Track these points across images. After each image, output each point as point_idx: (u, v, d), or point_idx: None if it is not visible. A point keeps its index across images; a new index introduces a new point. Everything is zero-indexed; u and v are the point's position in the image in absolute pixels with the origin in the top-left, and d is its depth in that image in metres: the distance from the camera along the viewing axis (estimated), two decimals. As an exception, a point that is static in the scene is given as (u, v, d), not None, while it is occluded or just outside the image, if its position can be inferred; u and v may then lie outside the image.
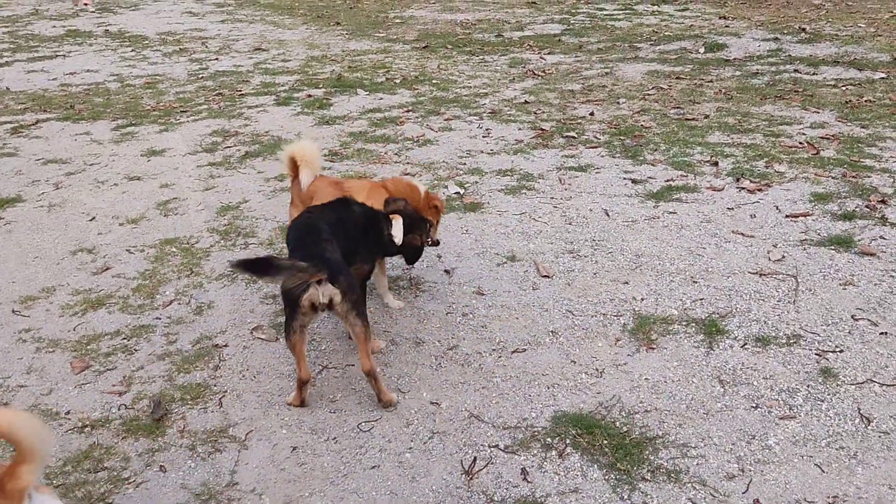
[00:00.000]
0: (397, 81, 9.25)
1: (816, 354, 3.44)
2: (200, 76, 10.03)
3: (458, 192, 5.73)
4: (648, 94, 8.10)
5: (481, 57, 10.51)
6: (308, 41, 12.13)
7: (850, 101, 7.34)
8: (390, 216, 3.74)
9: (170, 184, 6.18)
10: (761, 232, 4.73)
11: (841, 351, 3.45)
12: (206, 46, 11.98)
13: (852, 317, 3.70)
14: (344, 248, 3.31)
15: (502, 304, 4.10)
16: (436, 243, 4.16)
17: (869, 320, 3.65)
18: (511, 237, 4.92)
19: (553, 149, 6.59)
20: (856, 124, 6.65)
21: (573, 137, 6.85)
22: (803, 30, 10.73)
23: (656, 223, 4.97)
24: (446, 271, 4.53)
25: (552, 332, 3.79)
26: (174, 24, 14.31)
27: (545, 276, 4.38)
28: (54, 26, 14.46)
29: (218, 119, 7.93)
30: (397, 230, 3.70)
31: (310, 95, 8.72)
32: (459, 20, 13.38)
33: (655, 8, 13.51)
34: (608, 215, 5.14)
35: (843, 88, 7.82)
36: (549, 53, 10.51)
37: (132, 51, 11.89)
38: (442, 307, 4.12)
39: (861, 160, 5.78)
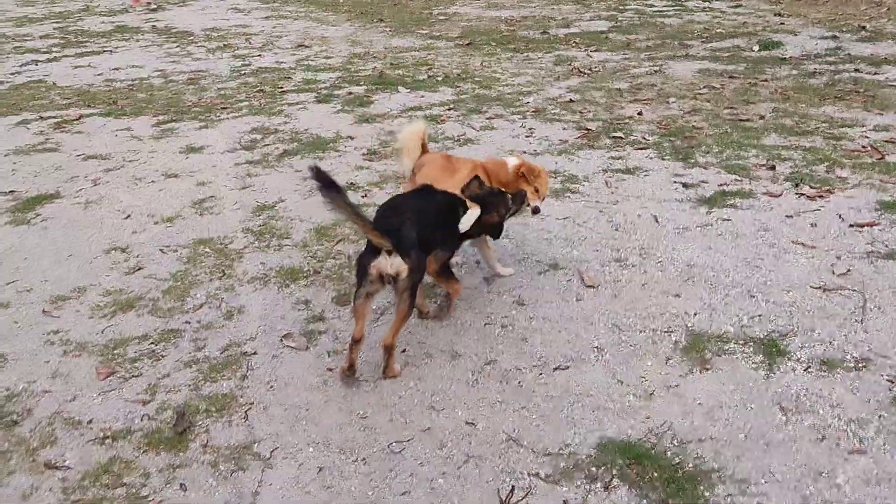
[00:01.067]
0: (439, 79, 9.03)
1: (888, 381, 3.12)
2: (243, 72, 9.93)
3: (499, 195, 5.48)
4: (700, 94, 7.75)
5: (525, 54, 10.23)
6: (351, 38, 11.98)
7: (916, 102, 6.90)
8: (468, 203, 3.78)
9: (207, 181, 6.05)
10: (823, 242, 4.40)
11: (916, 378, 3.13)
12: (250, 43, 11.91)
13: (928, 340, 3.38)
14: (423, 235, 3.35)
15: (544, 315, 3.85)
16: (535, 210, 4.23)
17: (947, 344, 3.32)
18: (554, 243, 4.66)
19: (599, 150, 6.30)
20: (924, 127, 6.23)
21: (620, 138, 6.55)
22: (863, 28, 10.23)
23: (709, 231, 4.66)
24: (485, 279, 4.29)
25: (597, 347, 3.53)
26: (219, 20, 14.30)
27: (590, 287, 4.12)
28: (103, 22, 14.55)
29: (258, 116, 7.80)
30: (466, 220, 3.72)
31: (350, 93, 8.54)
32: (504, 17, 13.11)
33: (707, 4, 13.05)
34: (658, 221, 4.85)
35: (909, 89, 7.36)
36: (595, 51, 10.18)
37: (177, 47, 11.87)
38: (480, 318, 3.89)
39: (931, 166, 5.39)
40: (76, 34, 13.30)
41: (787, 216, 4.79)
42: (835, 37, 9.83)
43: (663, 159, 5.98)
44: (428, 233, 3.42)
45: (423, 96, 8.29)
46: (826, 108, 6.98)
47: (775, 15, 11.68)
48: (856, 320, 3.55)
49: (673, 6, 13.08)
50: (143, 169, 6.38)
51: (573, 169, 5.87)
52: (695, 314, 3.73)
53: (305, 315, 4.00)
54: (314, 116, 7.71)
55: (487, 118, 7.37)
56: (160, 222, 5.30)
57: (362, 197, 5.58)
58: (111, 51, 11.70)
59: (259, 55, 10.96)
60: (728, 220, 4.80)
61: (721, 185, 5.37)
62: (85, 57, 11.28)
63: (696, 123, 6.78)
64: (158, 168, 6.38)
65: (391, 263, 3.18)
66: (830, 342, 3.41)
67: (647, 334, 3.60)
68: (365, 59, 10.34)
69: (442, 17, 13.38)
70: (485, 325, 3.82)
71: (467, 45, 11.00)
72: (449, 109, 7.70)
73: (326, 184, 3.06)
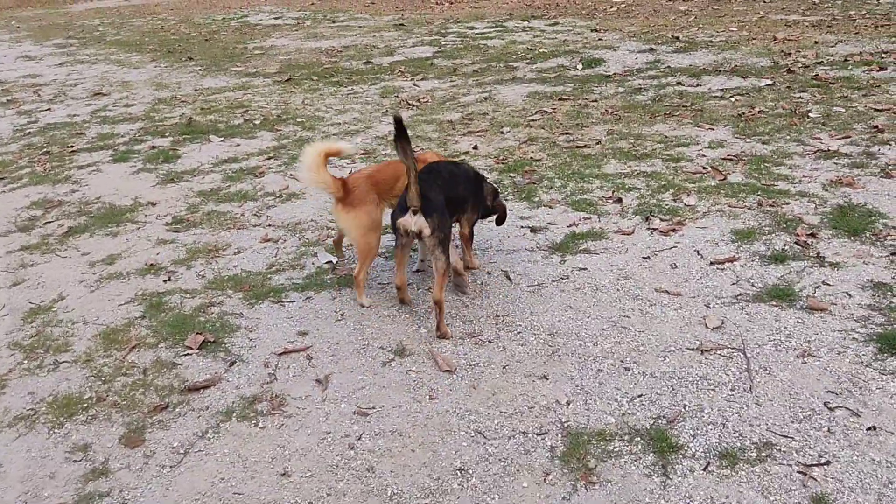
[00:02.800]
0: (257, 122, 8.12)
1: (800, 473, 2.62)
2: (27, 131, 8.54)
3: (329, 262, 4.70)
4: (533, 120, 7.33)
5: (350, 88, 9.51)
6: (156, 81, 10.76)
7: (742, 113, 6.80)
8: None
9: (-33, 281, 4.84)
10: (688, 287, 3.95)
11: (827, 463, 2.65)
12: (39, 95, 10.42)
13: (825, 405, 2.93)
14: (452, 200, 3.82)
15: (393, 428, 3.11)
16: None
17: (847, 409, 2.88)
18: (398, 320, 3.94)
19: (437, 194, 5.65)
20: (755, 140, 6.08)
21: (458, 178, 5.93)
22: (677, 38, 10.34)
23: (567, 285, 4.10)
24: (318, 381, 3.49)
25: (460, 469, 2.82)
26: (4, 70, 12.56)
27: (446, 371, 3.42)
28: None
29: (40, 185, 6.57)
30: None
31: (154, 147, 7.46)
32: (325, 47, 12.34)
33: (526, 24, 12.91)
34: (510, 279, 4.24)
35: (732, 100, 7.30)
36: (422, 79, 9.63)
37: (-51, 105, 10.17)
38: (313, 440, 3.08)
39: (773, 184, 5.15)
40: None
41: (643, 258, 4.33)
42: (652, 49, 9.83)
43: (506, 200, 5.42)
44: (458, 198, 3.90)
45: (238, 145, 7.35)
46: (658, 127, 6.74)
47: (592, 31, 11.66)
48: (744, 389, 3.07)
49: (494, 28, 12.84)
50: None
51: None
52: (568, 403, 3.12)
53: (83, 469, 3.02)
54: (109, 180, 6.59)
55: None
56: None
57: (164, 281, 4.61)
58: None
59: (48, 109, 9.55)
60: (584, 269, 4.27)
61: (570, 225, 4.87)
62: None
63: (534, 154, 6.31)
64: None
65: (414, 221, 3.55)
66: (724, 424, 2.89)
67: (518, 440, 2.94)
68: (172, 105, 9.22)
69: (258, 52, 12.41)
70: (320, 454, 3.01)
71: (287, 80, 10.14)
72: (269, 159, 6.83)
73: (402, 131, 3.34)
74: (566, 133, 6.84)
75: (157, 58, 12.58)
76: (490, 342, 3.63)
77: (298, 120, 8.12)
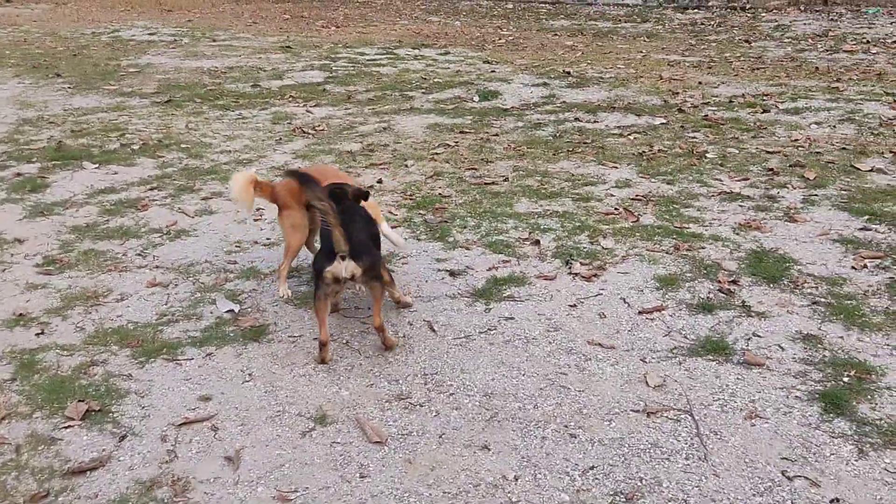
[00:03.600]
0: (135, 147, 7.43)
1: (774, 556, 2.45)
2: None
3: (231, 311, 4.23)
4: (437, 154, 7.10)
5: (238, 112, 8.95)
6: (20, 99, 9.75)
7: (643, 152, 6.85)
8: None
9: None
10: (620, 340, 3.79)
11: (798, 541, 2.50)
12: None
13: (783, 473, 2.80)
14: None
15: (319, 517, 2.71)
16: None
17: (806, 478, 2.76)
18: (315, 380, 3.54)
19: (343, 232, 5.28)
20: (660, 180, 6.10)
21: (364, 215, 5.58)
22: (568, 73, 10.46)
23: (495, 337, 3.85)
24: (228, 458, 3.04)
25: (405, 569, 2.47)
26: None
27: (376, 442, 3.06)
28: None
29: None
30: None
31: (19, 174, 6.65)
32: (206, 67, 11.65)
33: (417, 52, 12.74)
34: (434, 330, 3.94)
35: (630, 137, 7.36)
36: (315, 106, 9.21)
37: None
38: (227, 537, 2.64)
39: (685, 226, 5.14)
40: None
41: (570, 306, 4.14)
42: (545, 84, 9.88)
43: (419, 240, 5.13)
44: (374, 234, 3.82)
45: (116, 173, 6.68)
46: (562, 164, 6.67)
47: (484, 62, 11.64)
48: (699, 457, 2.89)
49: (384, 54, 12.59)
50: None
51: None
52: (515, 478, 2.84)
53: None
54: (-35, 212, 5.77)
55: (203, 198, 6.03)
56: None
57: (37, 335, 3.99)
58: None
59: None
60: (511, 318, 4.03)
61: (490, 269, 4.64)
62: None
63: (443, 190, 6.06)
64: None
65: (345, 267, 3.41)
66: (685, 500, 2.69)
67: (466, 528, 2.62)
68: (38, 126, 8.34)
69: (133, 70, 11.55)
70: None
71: (167, 102, 9.43)
72: (151, 189, 6.22)
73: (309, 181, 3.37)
74: (472, 168, 6.64)
75: (21, 73, 11.45)
76: (421, 406, 3.31)
77: (183, 146, 7.51)
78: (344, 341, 3.88)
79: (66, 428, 3.25)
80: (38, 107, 9.27)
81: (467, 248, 4.95)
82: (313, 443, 3.11)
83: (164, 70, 11.54)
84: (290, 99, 9.56)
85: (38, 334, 4.02)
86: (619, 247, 4.86)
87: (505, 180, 6.30)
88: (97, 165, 6.85)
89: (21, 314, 4.21)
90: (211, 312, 4.22)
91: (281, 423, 3.25)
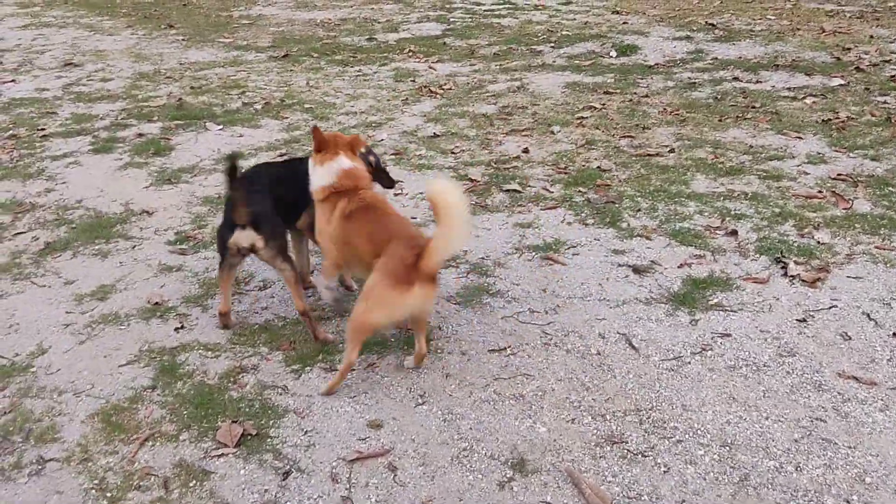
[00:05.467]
0: (258, 107, 6.91)
1: None
2: (-14, 107, 7.19)
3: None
4: (583, 118, 6.28)
5: (357, 68, 8.31)
6: (134, 51, 9.39)
7: (828, 119, 5.85)
8: None
9: (-89, 320, 3.65)
10: (881, 373, 2.99)
11: None
12: (1, 63, 8.97)
13: None
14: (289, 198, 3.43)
15: None
16: None
17: None
18: (501, 407, 2.91)
19: (498, 213, 4.62)
20: (860, 154, 5.14)
21: (517, 192, 4.90)
22: (712, 25, 9.33)
23: (714, 361, 3.11)
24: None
25: None
26: (-43, 30, 10.98)
27: None
28: None
29: (8, 180, 5.34)
30: None
31: (141, 134, 6.23)
32: (320, 19, 11.04)
33: (536, 2, 11.76)
34: (634, 347, 3.23)
35: (807, 101, 6.34)
36: (437, 62, 8.47)
37: None
38: None
39: (913, 217, 4.22)
40: None
41: (798, 321, 3.35)
42: (689, 37, 8.81)
43: (586, 224, 4.40)
44: (290, 200, 3.44)
45: (241, 135, 6.17)
46: (733, 132, 5.76)
47: (613, 13, 10.59)
48: None
49: (503, 5, 11.66)
50: None
51: (474, 248, 4.14)
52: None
53: None
54: (91, 176, 5.38)
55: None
56: None
57: (176, 329, 3.50)
58: None
59: (12, 81, 8.15)
60: (727, 334, 3.28)
61: (681, 265, 3.88)
62: None
63: (600, 163, 5.28)
64: None
65: (245, 237, 3.22)
66: None
67: None
68: (156, 81, 7.93)
69: (245, 22, 11.06)
70: None
71: (283, 57, 8.88)
72: (282, 155, 5.67)
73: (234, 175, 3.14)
74: (627, 135, 5.82)
75: (133, 24, 11.13)
76: (644, 456, 2.62)
77: (306, 106, 6.94)
78: (523, 354, 3.22)
79: (218, 457, 2.73)
80: (153, 60, 8.88)
81: (647, 238, 4.19)
82: (515, 500, 2.48)
83: (276, 22, 10.99)
84: (410, 54, 8.85)
85: (176, 329, 3.53)
86: (838, 242, 4.00)
87: (671, 151, 5.46)
88: (221, 126, 6.36)
89: (157, 303, 3.74)
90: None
91: (470, 466, 2.64)
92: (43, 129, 6.43)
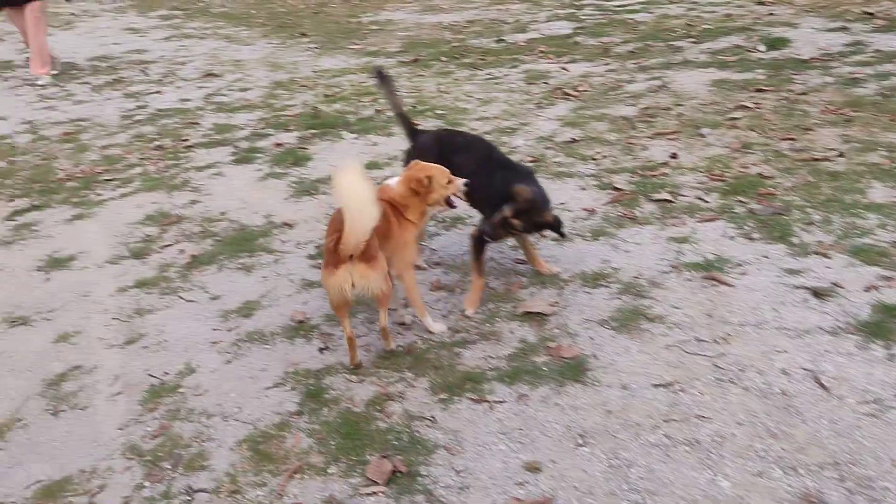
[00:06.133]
0: (390, 114, 6.79)
1: None
2: (136, 118, 7.49)
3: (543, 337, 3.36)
4: (735, 119, 5.78)
5: (487, 71, 8.09)
6: (270, 60, 9.59)
7: None
8: None
9: (71, 333, 3.73)
10: None
11: None
12: (147, 74, 9.38)
13: None
14: None
15: None
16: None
17: None
18: (674, 454, 2.58)
19: (647, 225, 4.26)
20: None
21: (667, 202, 4.51)
22: (870, 14, 8.47)
23: (925, 407, 2.65)
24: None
25: None
26: (111, 44, 11.62)
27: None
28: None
29: (155, 192, 5.46)
30: None
31: (279, 144, 6.26)
32: (446, 22, 10.92)
33: (671, -6, 11.13)
34: (823, 386, 2.81)
35: None
36: (570, 62, 8.12)
37: (55, 85, 9.24)
38: None
39: None
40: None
41: None
42: (845, 28, 8.02)
43: (751, 239, 3.97)
44: None
45: (375, 143, 6.08)
46: (912, 133, 5.10)
47: (757, 3, 9.84)
48: None
49: (634, -1, 11.12)
50: (-28, 314, 4.00)
51: (624, 264, 3.82)
52: None
53: None
54: (233, 188, 5.43)
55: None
56: (-20, 447, 2.98)
57: (320, 350, 3.39)
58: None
59: (157, 91, 8.48)
60: (938, 376, 2.80)
61: (868, 287, 3.40)
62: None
63: (759, 168, 4.81)
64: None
65: None
66: None
67: None
68: (291, 90, 8.02)
69: (374, 27, 11.10)
70: None
71: (413, 62, 8.78)
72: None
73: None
74: (788, 138, 5.28)
75: (268, 33, 11.42)
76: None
77: (438, 112, 6.78)
78: (696, 392, 2.87)
79: (370, 495, 2.56)
80: (288, 68, 9.02)
81: (824, 255, 3.72)
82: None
83: (404, 26, 10.96)
84: (541, 54, 8.54)
85: (320, 350, 3.42)
86: None
87: (839, 155, 4.89)
88: (355, 135, 6.30)
89: (301, 321, 3.64)
90: (511, 332, 3.38)
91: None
92: (186, 140, 6.59)
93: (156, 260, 4.44)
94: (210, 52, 10.41)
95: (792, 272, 3.61)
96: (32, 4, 8.83)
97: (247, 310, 3.79)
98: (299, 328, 3.59)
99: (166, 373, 3.36)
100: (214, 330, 3.65)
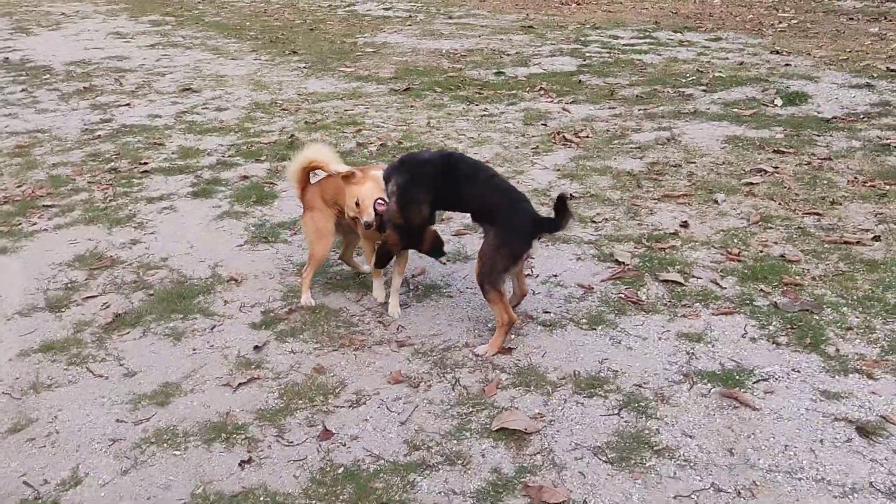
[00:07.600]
0: (373, 149, 6.13)
1: None
2: (97, 133, 6.80)
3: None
4: (752, 183, 5.11)
5: (483, 106, 7.43)
6: (255, 77, 8.91)
7: None
8: None
9: (-55, 412, 2.99)
10: None
11: None
12: (121, 83, 8.68)
13: None
14: None
15: None
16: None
17: None
18: None
19: (654, 313, 3.56)
20: None
21: (678, 284, 3.81)
22: (893, 71, 7.86)
23: None
24: None
25: None
26: (92, 49, 10.94)
27: None
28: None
29: (94, 225, 4.76)
30: None
31: (245, 176, 5.56)
32: (445, 49, 10.27)
33: (681, 36, 10.55)
34: (884, 582, 2.10)
35: None
36: (572, 102, 7.46)
37: (22, 90, 8.53)
38: None
39: None
40: None
41: None
42: (869, 85, 7.41)
43: (776, 343, 3.28)
44: None
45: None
46: (954, 216, 4.44)
47: (772, 52, 9.24)
48: None
49: (643, 39, 10.52)
50: None
51: (626, 366, 3.12)
52: None
53: None
54: (183, 227, 4.72)
55: (453, 233, 4.54)
56: None
57: (240, 464, 2.65)
58: (-76, 97, 8.29)
59: (128, 104, 7.78)
60: None
61: (925, 427, 2.69)
62: None
63: (782, 248, 4.13)
64: None
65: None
66: None
67: None
68: (270, 113, 7.33)
69: (369, 49, 10.44)
70: None
71: (405, 90, 8.11)
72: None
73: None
74: (812, 212, 4.62)
75: (258, 48, 10.75)
76: None
77: (425, 148, 6.08)
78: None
79: None
80: (271, 88, 8.34)
81: (868, 375, 3.03)
82: None
83: (400, 51, 10.31)
84: (542, 92, 7.89)
85: (241, 464, 2.70)
86: None
87: (875, 239, 4.23)
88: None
89: (227, 414, 2.91)
90: (483, 455, 2.67)
91: None
92: (146, 164, 5.89)
93: (73, 315, 3.71)
94: (193, 63, 9.73)
95: (829, 396, 2.92)
96: None
97: (163, 395, 3.06)
98: (221, 428, 2.86)
99: (46, 481, 2.63)
100: (118, 422, 2.93)
